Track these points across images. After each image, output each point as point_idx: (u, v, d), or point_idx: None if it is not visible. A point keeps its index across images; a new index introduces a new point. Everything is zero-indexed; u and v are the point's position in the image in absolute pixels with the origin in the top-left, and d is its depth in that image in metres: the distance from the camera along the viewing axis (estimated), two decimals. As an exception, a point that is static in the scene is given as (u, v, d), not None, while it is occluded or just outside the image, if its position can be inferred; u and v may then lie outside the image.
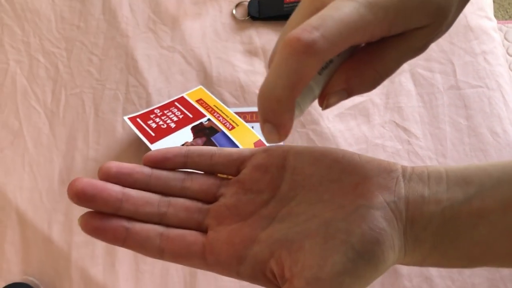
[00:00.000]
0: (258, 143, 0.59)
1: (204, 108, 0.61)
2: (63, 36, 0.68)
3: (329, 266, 0.27)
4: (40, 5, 0.70)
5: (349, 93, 0.29)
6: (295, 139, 0.60)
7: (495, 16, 0.69)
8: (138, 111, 0.61)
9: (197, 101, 0.62)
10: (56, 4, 0.70)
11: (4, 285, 0.51)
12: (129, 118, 0.58)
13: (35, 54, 0.67)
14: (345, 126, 0.60)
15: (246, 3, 0.69)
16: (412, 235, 0.29)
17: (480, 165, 0.31)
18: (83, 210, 0.56)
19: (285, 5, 0.67)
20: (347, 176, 0.31)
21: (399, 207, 0.29)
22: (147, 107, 0.62)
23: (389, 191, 0.30)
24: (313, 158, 0.32)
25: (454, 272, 0.51)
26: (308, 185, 0.31)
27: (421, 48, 0.30)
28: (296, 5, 0.35)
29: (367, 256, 0.28)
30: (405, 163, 0.57)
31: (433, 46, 0.63)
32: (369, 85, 0.29)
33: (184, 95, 0.62)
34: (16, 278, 0.52)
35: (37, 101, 0.63)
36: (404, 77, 0.63)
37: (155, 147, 0.56)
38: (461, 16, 0.66)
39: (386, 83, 0.63)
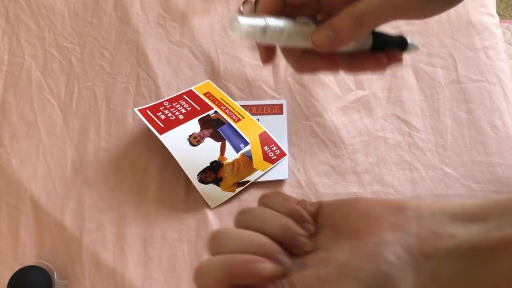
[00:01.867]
0: (262, 135, 0.61)
1: (211, 101, 0.63)
2: (77, 31, 0.70)
3: None
4: (54, 2, 0.72)
5: (335, 34, 0.32)
6: (299, 130, 0.61)
7: (503, 15, 0.70)
8: (148, 103, 0.63)
9: (205, 94, 0.64)
10: (70, 1, 0.72)
11: (19, 267, 0.53)
12: (139, 110, 0.61)
13: (49, 49, 0.69)
14: (348, 119, 0.62)
15: (253, 0, 0.71)
16: (427, 269, 0.30)
17: (492, 200, 0.32)
18: (94, 198, 0.59)
19: (290, 2, 0.69)
20: (361, 220, 0.33)
21: (410, 243, 0.30)
22: (156, 100, 0.64)
23: (399, 228, 0.31)
24: (337, 211, 0.35)
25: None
26: (331, 233, 0.34)
27: (401, 7, 0.33)
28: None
29: None
30: (406, 155, 0.59)
31: (435, 41, 0.65)
32: (352, 27, 0.32)
33: (192, 88, 0.64)
34: (30, 262, 0.55)
35: (51, 93, 0.66)
36: (406, 71, 0.64)
37: (164, 137, 0.58)
38: (463, 12, 0.67)
39: (388, 77, 0.64)
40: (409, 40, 0.44)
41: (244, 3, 0.71)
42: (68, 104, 0.65)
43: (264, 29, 0.34)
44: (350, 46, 0.38)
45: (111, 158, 0.61)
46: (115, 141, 0.62)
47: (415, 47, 0.44)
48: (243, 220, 0.35)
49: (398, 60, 0.42)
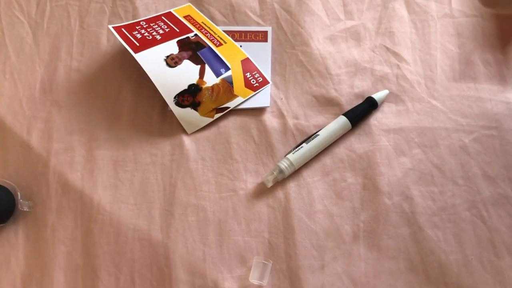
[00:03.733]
0: (245, 61, 0.58)
1: (192, 24, 0.59)
2: None
3: None
4: None
5: None
6: (284, 59, 0.58)
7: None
8: (124, 24, 0.59)
9: (185, 17, 0.60)
10: None
11: (-20, 186, 0.50)
12: (114, 28, 0.57)
13: (20, -35, 0.64)
14: (335, 49, 0.59)
15: None
16: None
17: None
18: (63, 119, 0.55)
19: None
20: None
21: None
22: (133, 21, 0.60)
23: None
24: None
25: (436, 193, 0.51)
26: None
27: None
28: None
29: None
30: (393, 86, 0.56)
31: (429, -28, 0.62)
32: None
33: (172, 10, 0.61)
34: (-7, 181, 0.52)
35: (21, 11, 0.62)
36: (398, 3, 0.61)
37: (139, 56, 0.54)
38: None
39: (379, 8, 0.61)
40: (376, 97, 0.54)
41: None
42: (39, 22, 0.61)
43: (280, 171, 0.51)
44: (336, 136, 0.53)
45: (83, 79, 0.57)
46: (87, 62, 0.58)
47: (385, 95, 0.55)
48: None
49: None
